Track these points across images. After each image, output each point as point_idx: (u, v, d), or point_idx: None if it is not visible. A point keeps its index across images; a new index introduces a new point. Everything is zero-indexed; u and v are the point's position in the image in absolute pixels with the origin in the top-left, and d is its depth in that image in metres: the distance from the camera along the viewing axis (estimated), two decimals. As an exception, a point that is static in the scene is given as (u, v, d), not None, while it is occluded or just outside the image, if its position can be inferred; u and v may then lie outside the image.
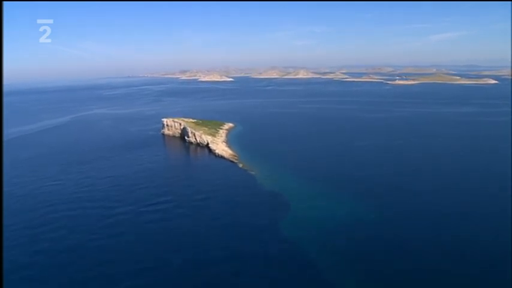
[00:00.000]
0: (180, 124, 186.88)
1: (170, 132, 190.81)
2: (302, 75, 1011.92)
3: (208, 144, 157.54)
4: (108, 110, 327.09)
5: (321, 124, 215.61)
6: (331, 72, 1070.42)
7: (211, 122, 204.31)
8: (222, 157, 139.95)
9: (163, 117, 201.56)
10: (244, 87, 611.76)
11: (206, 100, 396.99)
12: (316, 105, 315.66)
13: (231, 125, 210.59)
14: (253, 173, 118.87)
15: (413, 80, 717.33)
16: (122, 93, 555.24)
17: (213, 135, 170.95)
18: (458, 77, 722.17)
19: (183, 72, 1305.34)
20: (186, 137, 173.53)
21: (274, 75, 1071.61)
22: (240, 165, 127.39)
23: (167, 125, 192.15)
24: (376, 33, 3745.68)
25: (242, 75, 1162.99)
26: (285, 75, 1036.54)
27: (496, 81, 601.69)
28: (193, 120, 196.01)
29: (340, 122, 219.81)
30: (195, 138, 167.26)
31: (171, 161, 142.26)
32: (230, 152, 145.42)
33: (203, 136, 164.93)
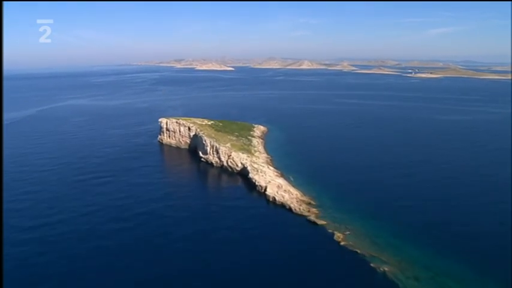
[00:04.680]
0: (189, 129, 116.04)
1: (172, 141, 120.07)
2: (306, 66, 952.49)
3: (246, 169, 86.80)
4: (89, 101, 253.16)
5: (396, 130, 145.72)
6: (336, 64, 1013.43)
7: (235, 124, 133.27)
8: (281, 205, 69.98)
9: (161, 117, 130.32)
10: (250, 77, 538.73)
11: (211, 90, 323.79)
12: (354, 100, 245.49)
13: (262, 128, 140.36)
14: (387, 269, 49.44)
15: (430, 73, 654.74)
16: (112, 81, 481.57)
17: (248, 150, 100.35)
18: (473, 72, 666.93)
19: (178, 61, 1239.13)
20: (200, 152, 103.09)
21: (275, 65, 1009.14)
22: (339, 239, 57.28)
23: (167, 130, 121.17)
24: (373, 26, 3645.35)
25: (240, 65, 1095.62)
26: (287, 65, 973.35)
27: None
28: (208, 122, 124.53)
29: (424, 128, 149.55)
30: (218, 157, 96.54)
31: (177, 222, 65.79)
32: (295, 192, 74.83)
33: (234, 155, 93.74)
